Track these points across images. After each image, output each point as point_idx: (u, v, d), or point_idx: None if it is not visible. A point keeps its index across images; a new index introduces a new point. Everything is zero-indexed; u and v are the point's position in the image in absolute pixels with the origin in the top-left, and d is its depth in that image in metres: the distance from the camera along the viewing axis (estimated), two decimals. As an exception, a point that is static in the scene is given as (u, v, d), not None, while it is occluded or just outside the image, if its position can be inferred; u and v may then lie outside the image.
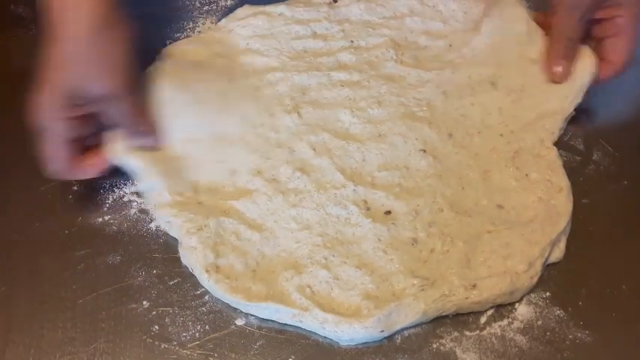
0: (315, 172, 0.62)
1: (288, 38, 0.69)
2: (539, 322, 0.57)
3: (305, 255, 0.58)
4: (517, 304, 0.58)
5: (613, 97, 0.70)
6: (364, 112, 0.65)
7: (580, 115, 0.66)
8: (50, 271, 0.59)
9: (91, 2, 0.54)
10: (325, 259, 0.57)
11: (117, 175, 0.63)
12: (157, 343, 0.56)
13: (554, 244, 0.59)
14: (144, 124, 0.60)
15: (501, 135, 0.64)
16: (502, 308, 0.58)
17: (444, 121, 0.64)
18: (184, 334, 0.56)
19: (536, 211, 0.59)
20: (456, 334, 0.56)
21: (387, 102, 0.66)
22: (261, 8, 0.71)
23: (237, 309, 0.57)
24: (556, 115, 0.64)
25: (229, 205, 0.60)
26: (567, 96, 0.64)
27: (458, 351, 0.55)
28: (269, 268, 0.57)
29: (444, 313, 0.56)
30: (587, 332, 0.56)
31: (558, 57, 0.64)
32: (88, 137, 0.60)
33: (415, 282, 0.56)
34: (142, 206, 0.62)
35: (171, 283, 0.58)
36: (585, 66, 0.64)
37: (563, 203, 0.60)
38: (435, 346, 0.56)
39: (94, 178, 0.61)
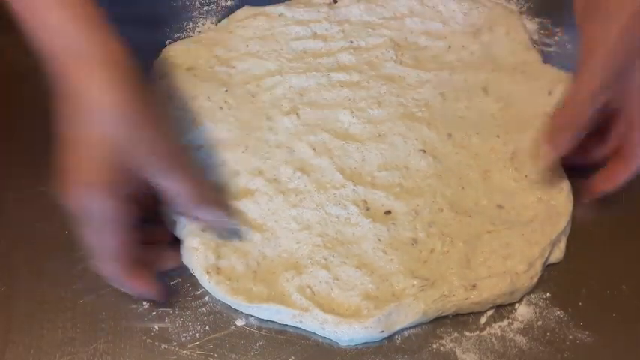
0: (315, 172, 0.62)
1: (287, 39, 0.69)
2: (539, 323, 0.57)
3: (305, 255, 0.58)
4: (517, 305, 0.58)
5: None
6: (364, 112, 0.65)
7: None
8: (50, 271, 0.59)
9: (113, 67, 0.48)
10: (325, 259, 0.57)
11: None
12: (157, 343, 0.56)
13: (554, 244, 0.59)
14: (208, 196, 0.53)
15: (498, 136, 0.64)
16: (502, 308, 0.57)
17: (443, 122, 0.65)
18: (184, 334, 0.56)
19: (536, 212, 0.59)
20: (455, 334, 0.56)
21: (386, 102, 0.66)
22: (261, 9, 0.71)
23: (237, 309, 0.57)
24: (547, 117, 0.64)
25: (231, 206, 0.60)
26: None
27: (458, 351, 0.55)
28: (270, 269, 0.57)
29: (443, 314, 0.56)
30: (587, 332, 0.56)
31: (561, 125, 0.58)
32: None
33: (415, 282, 0.56)
34: (142, 206, 0.62)
35: (172, 283, 0.58)
36: None
37: (563, 203, 0.60)
38: (435, 346, 0.56)
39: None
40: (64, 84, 0.48)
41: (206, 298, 0.58)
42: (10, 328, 0.56)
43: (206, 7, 0.75)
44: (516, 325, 0.57)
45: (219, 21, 0.72)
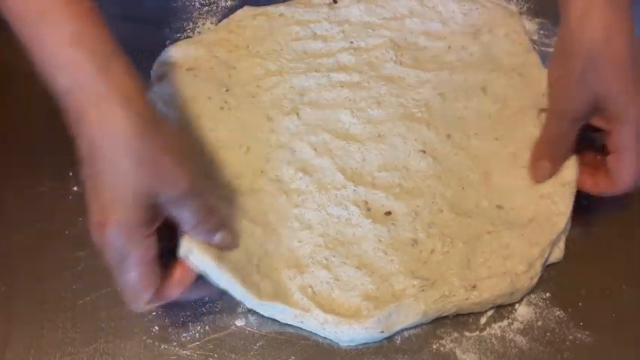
0: (317, 173, 0.62)
1: (288, 39, 0.69)
2: (539, 323, 0.57)
3: (307, 254, 0.58)
4: (517, 305, 0.58)
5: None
6: (364, 112, 0.65)
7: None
8: (50, 271, 0.59)
9: (127, 106, 0.47)
10: (326, 259, 0.57)
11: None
12: (156, 343, 0.56)
13: (554, 244, 0.59)
14: (215, 219, 0.53)
15: (496, 138, 0.64)
16: (502, 309, 0.58)
17: (442, 122, 0.65)
18: (184, 334, 0.56)
19: (536, 212, 0.59)
20: (455, 334, 0.56)
21: (386, 102, 0.66)
22: (261, 9, 0.71)
23: (237, 310, 0.57)
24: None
25: (234, 200, 0.59)
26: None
27: (458, 352, 0.55)
28: (272, 265, 0.57)
29: (444, 314, 0.56)
30: (587, 333, 0.56)
31: (542, 157, 0.60)
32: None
33: (415, 283, 0.56)
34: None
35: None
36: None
37: (563, 204, 0.60)
38: (435, 346, 0.56)
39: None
40: (78, 120, 0.47)
41: (206, 298, 0.58)
42: (10, 328, 0.56)
43: (206, 8, 0.75)
44: (516, 325, 0.57)
45: (220, 21, 0.72)
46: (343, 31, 0.70)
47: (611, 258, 0.60)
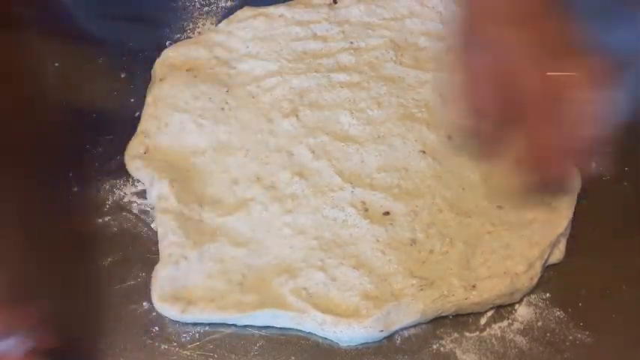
0: (314, 176, 0.61)
1: (288, 40, 0.69)
2: (539, 323, 0.57)
3: (299, 259, 0.57)
4: (517, 305, 0.58)
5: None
6: (364, 113, 0.65)
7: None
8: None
9: None
10: (321, 261, 0.57)
11: (117, 175, 0.63)
12: (157, 344, 0.56)
13: (554, 245, 0.59)
14: None
15: None
16: (502, 309, 0.57)
17: (442, 123, 0.64)
18: (184, 334, 0.56)
19: (536, 212, 0.59)
20: (455, 335, 0.56)
21: (386, 103, 0.66)
22: (261, 10, 0.71)
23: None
24: None
25: (222, 222, 0.59)
26: None
27: (458, 352, 0.55)
28: (258, 276, 0.57)
29: (443, 314, 0.56)
30: (588, 333, 0.56)
31: None
32: None
33: (414, 282, 0.56)
34: (142, 207, 0.62)
35: (171, 283, 0.58)
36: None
37: (563, 204, 0.60)
38: (434, 347, 0.56)
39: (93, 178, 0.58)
40: None
41: (206, 298, 0.58)
42: (9, 329, 0.56)
43: (206, 8, 0.75)
44: (516, 325, 0.57)
45: (220, 22, 0.72)
46: (343, 32, 0.70)
47: (611, 258, 0.60)
